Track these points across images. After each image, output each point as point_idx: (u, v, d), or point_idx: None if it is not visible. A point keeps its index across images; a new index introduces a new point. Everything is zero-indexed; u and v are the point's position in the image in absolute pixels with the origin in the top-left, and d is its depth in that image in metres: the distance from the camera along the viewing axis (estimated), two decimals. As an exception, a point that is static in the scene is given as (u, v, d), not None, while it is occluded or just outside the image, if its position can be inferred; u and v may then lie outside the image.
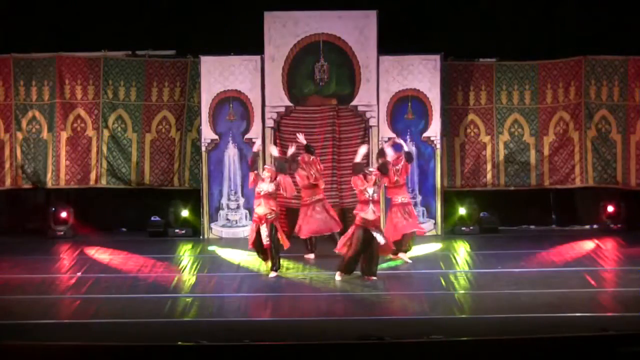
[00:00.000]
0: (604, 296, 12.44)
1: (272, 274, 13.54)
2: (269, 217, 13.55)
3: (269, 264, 13.67)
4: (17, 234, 17.08)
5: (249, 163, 14.25)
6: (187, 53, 17.01)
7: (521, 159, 17.05)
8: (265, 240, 13.50)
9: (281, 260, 13.99)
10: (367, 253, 13.12)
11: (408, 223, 14.28)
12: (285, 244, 13.76)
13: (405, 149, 14.60)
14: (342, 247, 13.34)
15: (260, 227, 13.54)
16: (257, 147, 14.50)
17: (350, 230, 13.28)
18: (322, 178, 14.85)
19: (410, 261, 14.33)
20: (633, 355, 9.44)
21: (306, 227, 14.71)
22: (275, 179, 13.67)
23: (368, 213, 13.03)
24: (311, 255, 14.77)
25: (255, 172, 13.84)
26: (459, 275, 13.67)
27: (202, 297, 12.54)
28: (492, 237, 16.48)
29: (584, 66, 16.79)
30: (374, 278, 13.14)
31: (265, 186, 13.63)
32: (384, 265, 14.06)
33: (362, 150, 13.70)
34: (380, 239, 13.05)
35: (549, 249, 15.24)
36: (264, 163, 15.49)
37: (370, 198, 13.04)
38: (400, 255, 14.32)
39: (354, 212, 13.29)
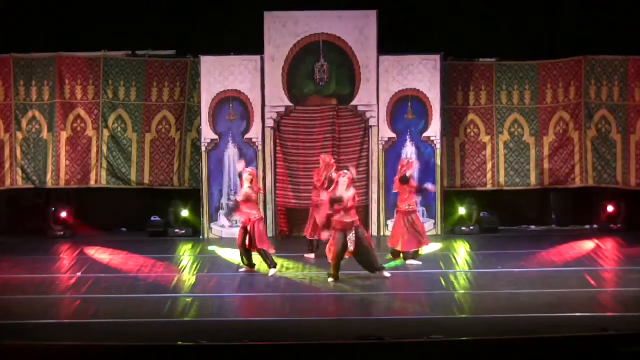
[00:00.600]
0: (604, 296, 12.44)
1: (271, 272, 13.56)
2: (253, 218, 13.57)
3: (247, 264, 13.74)
4: (17, 234, 17.08)
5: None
6: (187, 53, 17.01)
7: (521, 159, 17.05)
8: (247, 240, 13.55)
9: (282, 261, 13.99)
10: (360, 254, 13.12)
11: (411, 239, 14.24)
12: (264, 245, 13.68)
13: (408, 174, 14.61)
14: (327, 251, 13.36)
15: (247, 227, 13.58)
16: (240, 167, 14.18)
17: (331, 240, 13.28)
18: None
19: (420, 263, 14.31)
20: (633, 355, 9.44)
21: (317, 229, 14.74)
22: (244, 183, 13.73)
23: (342, 216, 13.04)
24: (312, 255, 14.76)
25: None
26: (459, 275, 13.67)
27: (202, 297, 12.54)
28: (492, 237, 16.48)
29: (584, 66, 16.78)
30: (387, 273, 13.16)
31: (244, 190, 13.65)
32: (384, 265, 14.05)
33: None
34: (352, 242, 13.04)
35: (549, 249, 15.23)
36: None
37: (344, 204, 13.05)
38: (410, 262, 14.31)
39: (332, 218, 13.30)
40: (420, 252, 14.44)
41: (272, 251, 13.73)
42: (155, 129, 17.08)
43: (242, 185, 13.85)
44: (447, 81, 16.86)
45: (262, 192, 14.24)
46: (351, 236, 13.01)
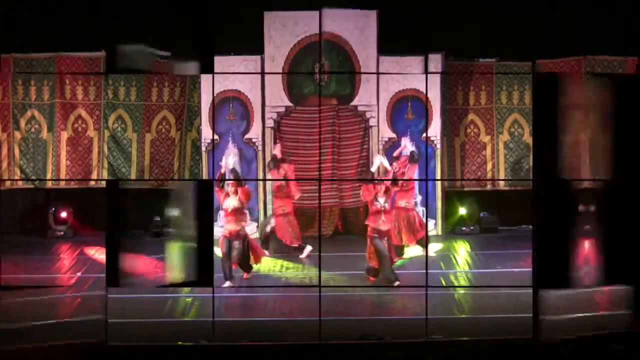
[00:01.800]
0: (602, 296, 12.44)
1: (227, 283, 13.09)
2: (241, 232, 13.30)
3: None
4: (17, 234, 17.07)
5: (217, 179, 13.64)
6: (187, 53, 17.00)
7: (521, 159, 17.05)
8: (234, 258, 13.21)
9: (282, 261, 14.01)
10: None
11: (407, 236, 14.32)
12: (257, 259, 13.61)
13: (412, 148, 14.74)
14: (371, 262, 13.20)
15: (233, 243, 13.22)
16: (224, 167, 13.62)
17: (369, 247, 13.11)
18: (298, 192, 15.01)
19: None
20: (629, 354, 9.45)
21: (295, 234, 14.80)
22: (236, 192, 13.24)
23: (380, 224, 12.99)
24: (309, 248, 14.74)
25: (221, 188, 13.33)
26: (459, 275, 13.67)
27: (202, 297, 12.54)
28: (492, 237, 16.48)
29: (584, 66, 16.79)
30: (374, 279, 13.16)
31: (231, 202, 13.24)
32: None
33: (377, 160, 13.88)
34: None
35: (549, 249, 15.21)
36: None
37: (382, 208, 13.01)
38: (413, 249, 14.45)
39: (366, 222, 13.23)
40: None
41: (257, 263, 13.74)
42: (155, 129, 17.08)
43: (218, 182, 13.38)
44: (447, 81, 16.86)
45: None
46: (385, 242, 13.00)
